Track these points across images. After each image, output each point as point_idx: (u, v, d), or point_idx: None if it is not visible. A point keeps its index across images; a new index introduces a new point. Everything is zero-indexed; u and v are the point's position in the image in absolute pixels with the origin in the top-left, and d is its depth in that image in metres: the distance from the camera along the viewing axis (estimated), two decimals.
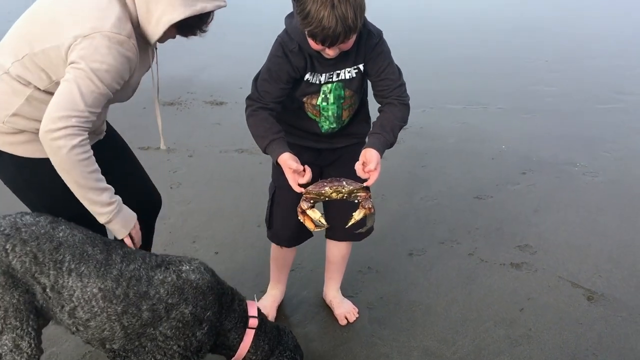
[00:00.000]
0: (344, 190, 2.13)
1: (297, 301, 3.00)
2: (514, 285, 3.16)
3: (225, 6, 2.07)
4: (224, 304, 2.11)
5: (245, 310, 2.18)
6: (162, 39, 2.08)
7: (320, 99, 2.36)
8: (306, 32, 2.11)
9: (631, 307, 3.00)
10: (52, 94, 1.92)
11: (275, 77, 2.28)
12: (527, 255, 3.42)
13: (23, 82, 1.98)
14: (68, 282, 1.88)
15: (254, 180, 4.21)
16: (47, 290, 1.87)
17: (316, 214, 2.14)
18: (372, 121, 2.46)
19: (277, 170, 2.29)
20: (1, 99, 2.00)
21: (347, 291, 3.00)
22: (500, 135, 5.19)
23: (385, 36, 2.33)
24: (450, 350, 2.70)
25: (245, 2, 9.72)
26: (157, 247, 3.27)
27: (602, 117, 5.72)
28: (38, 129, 1.88)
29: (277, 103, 2.33)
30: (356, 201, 2.17)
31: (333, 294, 2.93)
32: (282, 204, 2.56)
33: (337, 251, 2.82)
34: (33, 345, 1.87)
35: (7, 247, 1.85)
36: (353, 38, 2.13)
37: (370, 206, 2.15)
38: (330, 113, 2.40)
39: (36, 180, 2.09)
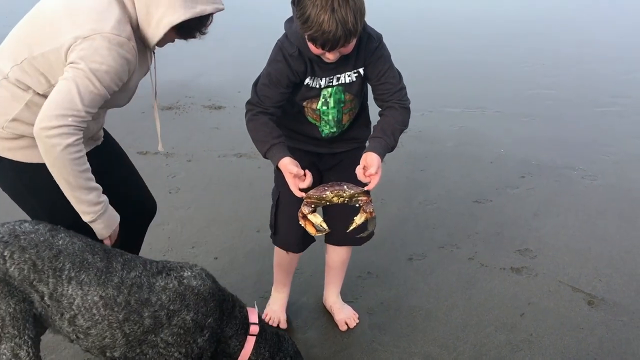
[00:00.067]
0: (345, 195, 2.12)
1: (297, 307, 2.98)
2: (515, 289, 3.15)
3: (223, 9, 2.09)
4: (225, 310, 2.10)
5: (246, 317, 2.17)
6: (161, 42, 2.10)
7: (320, 103, 2.36)
8: (306, 37, 2.10)
9: (632, 311, 2.99)
10: None
11: (275, 81, 2.28)
12: (527, 259, 3.42)
13: (22, 87, 1.98)
14: (68, 290, 1.86)
15: (252, 184, 4.20)
16: (46, 298, 1.85)
17: (317, 219, 2.13)
18: (372, 125, 2.45)
19: (280, 175, 2.28)
20: (1, 104, 2.00)
21: (347, 296, 2.99)
22: (498, 139, 5.19)
23: (383, 39, 2.32)
24: (451, 356, 2.68)
25: (243, 5, 9.72)
26: (156, 252, 3.28)
27: (599, 121, 5.73)
28: None
29: (277, 107, 2.32)
30: (357, 205, 2.16)
31: (333, 300, 2.91)
32: (287, 208, 2.52)
33: (336, 256, 2.81)
34: (31, 353, 1.86)
35: (5, 254, 1.83)
36: (353, 42, 2.13)
37: (372, 210, 2.14)
38: (330, 117, 2.39)
39: (36, 185, 2.08)
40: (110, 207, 2.07)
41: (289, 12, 2.25)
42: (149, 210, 2.54)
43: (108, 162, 2.35)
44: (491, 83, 6.88)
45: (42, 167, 1.93)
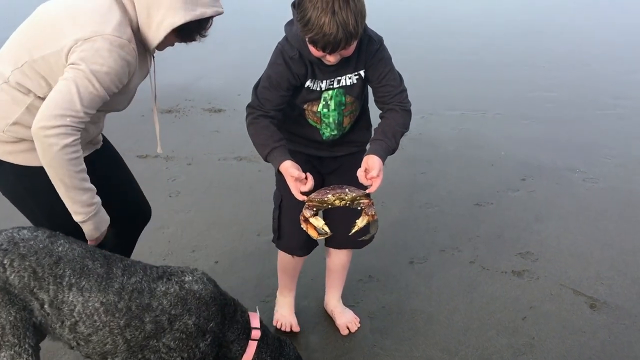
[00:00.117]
0: (347, 198, 2.11)
1: (298, 311, 2.96)
2: (516, 293, 3.14)
3: (222, 13, 2.10)
4: (226, 315, 2.09)
5: (248, 322, 2.16)
6: (161, 45, 2.11)
7: (321, 105, 2.35)
8: (307, 39, 2.10)
9: (634, 314, 2.98)
10: None
11: (275, 84, 2.27)
12: (528, 262, 3.40)
13: (23, 91, 1.99)
14: (68, 297, 1.85)
15: (252, 188, 4.19)
16: (46, 306, 1.84)
17: (319, 222, 2.13)
18: (373, 129, 2.44)
19: (281, 178, 2.27)
20: (1, 108, 2.01)
21: (348, 300, 2.98)
22: (499, 142, 5.18)
23: (384, 41, 2.32)
24: None
25: (243, 8, 9.73)
26: (156, 256, 3.27)
27: (600, 123, 5.72)
28: None
29: (278, 111, 2.31)
30: (359, 208, 2.15)
31: (334, 304, 2.90)
32: (290, 212, 2.49)
33: (337, 260, 2.79)
34: None
35: (5, 262, 1.82)
36: (354, 44, 2.12)
37: (374, 213, 2.13)
38: (331, 120, 2.38)
39: (36, 188, 2.08)
40: (102, 209, 2.07)
41: (289, 14, 2.24)
42: (145, 214, 2.55)
43: (107, 166, 2.37)
44: (491, 84, 6.87)
45: (42, 170, 1.93)
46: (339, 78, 2.30)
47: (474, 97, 6.36)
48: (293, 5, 2.16)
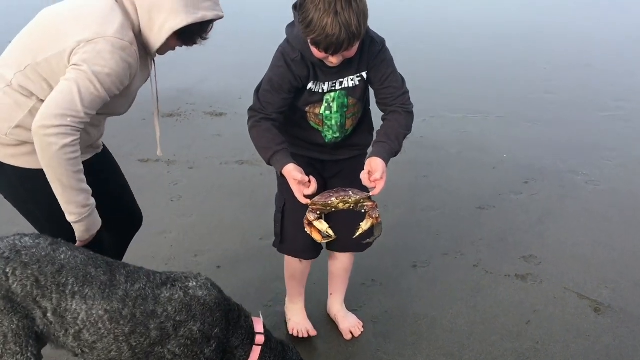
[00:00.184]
0: (350, 200, 2.10)
1: None
2: (520, 297, 3.12)
3: (223, 17, 2.12)
4: (231, 320, 2.07)
5: (252, 327, 2.14)
6: (162, 49, 2.12)
7: (323, 107, 2.34)
8: (309, 40, 2.09)
9: (639, 318, 2.96)
10: None
11: (277, 87, 2.26)
12: (532, 266, 3.38)
13: (25, 94, 1.99)
14: (72, 305, 1.83)
15: (254, 192, 4.18)
16: (49, 314, 1.83)
17: (323, 225, 2.12)
18: (375, 132, 2.43)
19: (284, 182, 2.25)
20: (4, 111, 2.01)
21: (351, 304, 2.96)
22: (501, 144, 5.16)
23: (386, 43, 2.31)
24: None
25: (243, 11, 9.73)
26: (158, 261, 3.26)
27: (602, 125, 5.70)
28: None
29: (280, 113, 2.30)
30: (363, 211, 2.15)
31: (337, 308, 2.88)
32: (294, 215, 2.46)
33: (340, 264, 2.78)
34: None
35: (7, 270, 1.80)
36: (356, 45, 2.12)
37: (378, 215, 2.12)
38: (333, 122, 2.37)
39: (38, 191, 2.08)
40: (96, 212, 2.08)
41: (289, 17, 2.23)
42: (138, 219, 2.58)
43: (107, 170, 2.40)
44: (492, 88, 6.84)
45: (44, 172, 1.93)
46: (341, 80, 2.29)
47: (476, 100, 6.34)
48: (294, 7, 2.15)
